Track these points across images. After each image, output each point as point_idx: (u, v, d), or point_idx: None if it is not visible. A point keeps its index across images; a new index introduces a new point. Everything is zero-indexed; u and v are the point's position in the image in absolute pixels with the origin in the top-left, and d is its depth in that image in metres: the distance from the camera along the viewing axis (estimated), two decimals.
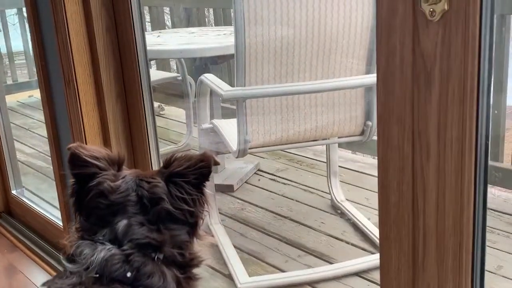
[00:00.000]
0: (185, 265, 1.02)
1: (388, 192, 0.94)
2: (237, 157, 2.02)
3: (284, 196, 2.71)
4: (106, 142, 1.60)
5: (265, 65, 1.88)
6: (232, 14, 1.84)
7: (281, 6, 1.81)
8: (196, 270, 1.05)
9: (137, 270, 0.94)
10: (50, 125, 1.73)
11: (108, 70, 1.54)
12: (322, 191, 2.70)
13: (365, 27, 1.91)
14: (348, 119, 2.06)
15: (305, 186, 2.80)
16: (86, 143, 1.57)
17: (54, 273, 2.11)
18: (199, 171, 1.01)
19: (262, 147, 2.03)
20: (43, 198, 2.57)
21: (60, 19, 1.49)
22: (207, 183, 1.04)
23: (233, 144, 2.04)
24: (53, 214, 2.27)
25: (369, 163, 3.00)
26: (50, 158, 1.93)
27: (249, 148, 1.98)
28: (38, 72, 1.71)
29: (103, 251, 0.94)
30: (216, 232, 2.31)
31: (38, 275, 2.12)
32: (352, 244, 2.23)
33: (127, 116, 1.60)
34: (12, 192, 2.53)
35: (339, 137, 2.13)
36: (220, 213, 2.46)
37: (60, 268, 1.46)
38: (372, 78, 1.93)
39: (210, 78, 2.10)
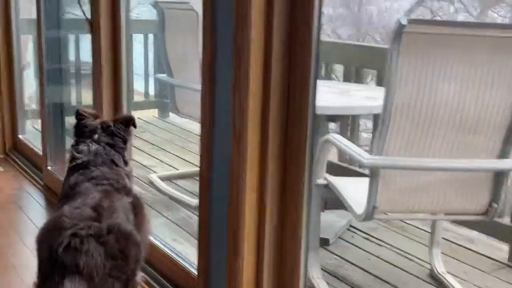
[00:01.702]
0: (123, 156, 1.99)
1: None
2: (361, 221, 2.07)
3: (380, 258, 2.73)
4: (261, 198, 1.68)
5: (405, 136, 1.93)
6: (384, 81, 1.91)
7: (431, 81, 1.88)
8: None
9: (108, 152, 1.92)
10: (205, 174, 1.82)
11: (275, 128, 1.63)
12: (418, 258, 2.71)
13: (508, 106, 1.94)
14: (475, 197, 2.08)
15: (400, 250, 2.81)
16: (244, 196, 1.65)
17: None
18: (126, 119, 2.05)
19: (387, 213, 2.08)
20: None
21: (243, 76, 1.59)
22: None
23: (357, 207, 2.09)
24: None
25: (463, 234, 2.99)
26: None
27: (376, 214, 2.02)
28: (203, 120, 1.81)
29: (93, 146, 1.92)
30: (319, 287, 2.35)
31: None
32: None
33: (283, 173, 1.67)
34: None
35: (460, 214, 2.15)
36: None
37: None
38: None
39: (340, 140, 2.17)
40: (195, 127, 5.09)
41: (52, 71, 3.36)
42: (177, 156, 4.33)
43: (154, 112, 5.53)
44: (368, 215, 2.01)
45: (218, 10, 1.69)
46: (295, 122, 1.62)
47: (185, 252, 2.37)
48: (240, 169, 1.66)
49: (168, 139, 4.77)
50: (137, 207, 1.82)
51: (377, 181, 1.96)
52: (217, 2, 1.69)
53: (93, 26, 2.51)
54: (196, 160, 4.13)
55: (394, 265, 2.66)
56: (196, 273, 1.99)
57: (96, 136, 1.95)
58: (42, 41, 3.25)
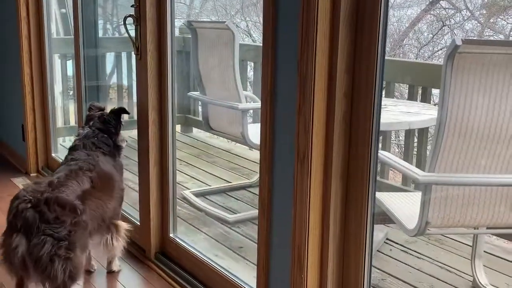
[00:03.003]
0: (114, 140, 2.57)
1: None
2: (412, 236, 2.11)
3: (421, 271, 2.76)
4: (324, 216, 1.72)
5: (458, 152, 1.98)
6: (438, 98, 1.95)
7: (484, 98, 1.93)
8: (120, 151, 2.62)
9: (97, 136, 2.50)
10: (265, 193, 1.87)
11: (338, 148, 1.68)
12: (459, 271, 2.74)
13: None
14: None
15: (440, 262, 2.84)
16: (308, 218, 1.70)
17: None
18: (118, 110, 2.63)
19: (439, 228, 2.12)
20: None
21: (307, 100, 1.64)
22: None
23: (407, 223, 2.14)
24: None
25: (501, 246, 3.02)
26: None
27: (428, 229, 2.07)
28: (262, 141, 1.86)
29: (86, 130, 2.52)
30: None
31: None
32: None
33: (345, 197, 1.72)
34: (170, 234, 2.69)
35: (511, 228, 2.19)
36: None
37: None
38: None
39: (390, 157, 2.22)
40: (220, 142, 5.17)
41: (89, 88, 3.43)
42: (206, 171, 4.38)
43: (177, 128, 5.59)
44: (421, 230, 2.05)
45: (280, 34, 1.75)
46: (358, 140, 1.66)
47: (228, 267, 2.41)
48: (303, 190, 1.70)
49: (194, 154, 4.83)
50: (94, 180, 2.27)
51: (430, 197, 2.01)
52: (279, 27, 1.74)
53: (139, 48, 2.57)
54: (225, 175, 4.24)
55: (436, 278, 2.69)
56: None
57: (91, 123, 2.55)
58: (81, 59, 3.32)
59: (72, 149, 2.47)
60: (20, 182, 3.83)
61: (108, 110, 2.67)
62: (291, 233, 1.77)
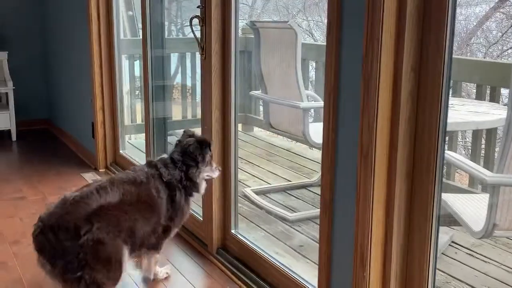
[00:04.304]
0: (190, 178, 2.37)
1: None
2: (479, 238, 2.06)
3: (487, 275, 2.68)
4: (387, 216, 1.72)
5: None
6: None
7: None
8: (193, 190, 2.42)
9: (167, 166, 2.34)
10: (327, 190, 1.88)
11: (403, 148, 1.66)
12: None
13: None
14: None
15: (507, 266, 2.75)
16: (372, 217, 1.70)
17: None
18: (201, 141, 2.39)
19: (506, 230, 2.06)
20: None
21: (372, 100, 1.64)
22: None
23: (474, 225, 2.09)
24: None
25: None
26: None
27: (496, 231, 2.01)
28: (325, 139, 1.87)
29: (165, 155, 2.39)
30: None
31: None
32: None
33: (409, 197, 1.70)
34: (232, 230, 2.74)
35: None
36: None
37: None
38: None
39: (457, 158, 2.17)
40: (280, 141, 5.20)
41: (155, 88, 3.55)
42: (266, 170, 4.42)
43: (238, 127, 5.66)
44: (488, 232, 2.00)
45: (344, 32, 1.75)
46: (423, 139, 1.64)
47: (289, 264, 2.43)
48: (366, 188, 1.70)
49: (255, 153, 4.88)
50: (128, 193, 2.17)
51: (498, 198, 1.95)
52: (344, 26, 1.75)
53: (204, 48, 2.64)
54: (285, 173, 4.26)
55: (503, 282, 2.60)
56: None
57: (173, 150, 2.40)
58: (148, 60, 3.44)
59: (148, 163, 2.39)
60: (89, 177, 4.00)
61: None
62: (353, 232, 1.77)
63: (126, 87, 4.83)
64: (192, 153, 2.34)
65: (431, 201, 1.66)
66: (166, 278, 2.54)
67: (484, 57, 7.21)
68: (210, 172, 2.44)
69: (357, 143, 1.72)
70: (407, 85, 1.64)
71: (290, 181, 4.09)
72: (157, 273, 2.53)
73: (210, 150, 2.40)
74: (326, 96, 1.85)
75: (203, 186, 2.45)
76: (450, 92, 3.64)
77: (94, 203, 2.06)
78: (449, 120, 2.71)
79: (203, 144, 2.37)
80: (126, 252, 2.14)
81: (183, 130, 2.52)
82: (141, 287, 2.49)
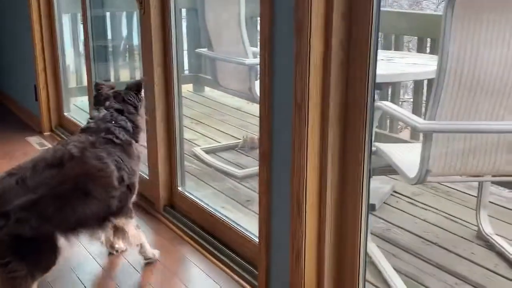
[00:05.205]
0: (137, 125, 2.28)
1: None
2: (413, 184, 2.13)
3: (426, 221, 2.79)
4: (321, 164, 1.75)
5: (458, 100, 1.98)
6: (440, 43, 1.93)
7: (484, 45, 1.91)
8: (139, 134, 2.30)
9: (116, 119, 2.21)
10: (266, 141, 1.90)
11: (335, 96, 1.69)
12: (465, 221, 2.76)
13: None
14: None
15: (446, 213, 2.87)
16: (307, 165, 1.73)
17: (222, 266, 2.30)
18: (136, 85, 2.34)
19: (440, 176, 2.13)
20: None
21: (303, 49, 1.65)
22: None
23: (409, 172, 2.15)
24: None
25: (507, 197, 3.03)
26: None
27: (429, 177, 2.08)
28: (262, 90, 1.87)
29: (102, 113, 2.22)
30: (371, 250, 2.43)
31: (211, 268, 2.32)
32: (508, 279, 2.29)
33: (342, 145, 1.74)
34: (178, 188, 2.75)
35: (510, 176, 2.20)
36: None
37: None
38: None
39: (393, 107, 2.22)
40: (231, 100, 5.18)
41: (98, 49, 3.46)
42: (217, 129, 4.42)
43: (189, 87, 5.61)
44: (421, 178, 2.07)
45: None
46: (355, 90, 1.67)
47: (236, 219, 2.47)
48: (301, 137, 1.73)
49: (205, 113, 4.86)
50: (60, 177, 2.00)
51: (430, 145, 2.02)
52: None
53: (142, 2, 2.58)
54: (235, 132, 4.27)
55: (442, 228, 2.72)
56: (257, 240, 2.08)
57: (107, 103, 2.24)
58: (87, 19, 3.34)
59: (82, 130, 2.23)
60: (35, 141, 3.91)
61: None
62: (290, 180, 1.80)
63: (70, 48, 4.69)
64: (131, 100, 2.26)
65: (363, 147, 1.69)
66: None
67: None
68: (144, 119, 2.35)
69: (292, 94, 1.73)
70: (338, 33, 1.65)
71: (240, 139, 4.11)
72: (146, 248, 2.35)
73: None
74: (261, 47, 1.85)
75: (144, 133, 2.37)
76: (393, 47, 3.71)
77: (13, 199, 1.91)
78: (389, 72, 2.79)
79: (138, 88, 2.31)
80: (60, 239, 2.00)
81: (95, 84, 2.38)
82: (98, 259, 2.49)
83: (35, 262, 1.97)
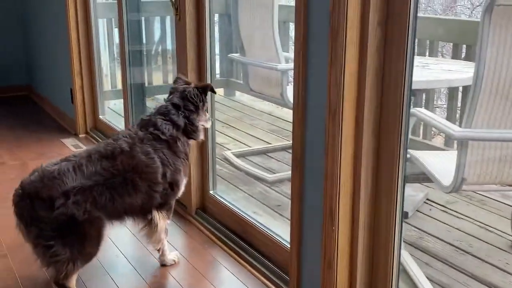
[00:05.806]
0: (192, 123, 2.29)
1: None
2: (448, 192, 2.11)
3: (460, 230, 2.75)
4: (355, 171, 1.74)
5: (494, 108, 1.95)
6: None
7: None
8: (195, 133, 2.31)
9: (169, 113, 2.25)
10: (298, 147, 1.90)
11: (370, 104, 1.68)
12: (499, 230, 2.71)
13: None
14: None
15: (480, 222, 2.82)
16: (340, 172, 1.73)
17: (253, 270, 2.31)
18: (203, 86, 2.34)
19: (475, 185, 2.10)
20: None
21: (338, 53, 1.65)
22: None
23: (444, 180, 2.13)
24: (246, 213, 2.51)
25: None
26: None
27: (464, 186, 2.06)
28: (295, 96, 1.88)
29: (164, 103, 2.29)
30: (404, 258, 2.41)
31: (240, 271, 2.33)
32: None
33: (376, 152, 1.73)
34: (210, 191, 2.78)
35: None
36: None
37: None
38: None
39: (428, 114, 2.20)
40: (261, 105, 5.20)
41: (133, 53, 3.52)
42: (247, 133, 4.44)
43: (220, 91, 5.65)
44: (456, 187, 2.05)
45: None
46: (390, 97, 1.66)
47: (266, 223, 2.48)
48: (335, 144, 1.73)
49: (236, 117, 4.89)
50: (109, 170, 2.10)
51: (466, 153, 1.99)
52: None
53: (178, 8, 2.61)
54: (266, 137, 4.29)
55: (475, 237, 2.67)
56: (288, 245, 2.08)
57: (170, 97, 2.30)
58: (124, 24, 3.40)
59: (138, 124, 2.28)
60: (70, 143, 4.00)
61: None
62: (323, 187, 1.80)
63: (105, 52, 4.78)
64: (193, 98, 2.27)
65: (398, 155, 1.68)
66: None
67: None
68: (204, 122, 2.34)
69: (326, 99, 1.73)
70: (373, 40, 1.64)
71: (270, 143, 4.12)
72: (165, 255, 2.39)
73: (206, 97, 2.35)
74: (296, 54, 1.85)
75: (201, 133, 2.35)
76: (427, 53, 3.67)
77: (70, 182, 2.02)
78: (424, 78, 2.76)
79: (204, 90, 2.32)
80: (106, 227, 2.12)
81: (175, 77, 2.45)
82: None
83: (79, 248, 2.05)
